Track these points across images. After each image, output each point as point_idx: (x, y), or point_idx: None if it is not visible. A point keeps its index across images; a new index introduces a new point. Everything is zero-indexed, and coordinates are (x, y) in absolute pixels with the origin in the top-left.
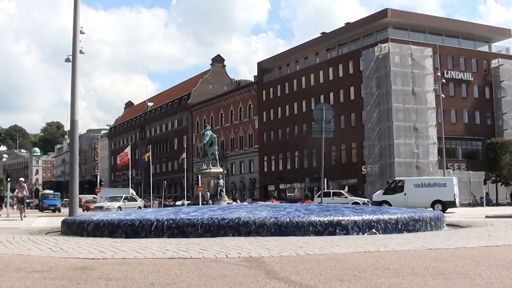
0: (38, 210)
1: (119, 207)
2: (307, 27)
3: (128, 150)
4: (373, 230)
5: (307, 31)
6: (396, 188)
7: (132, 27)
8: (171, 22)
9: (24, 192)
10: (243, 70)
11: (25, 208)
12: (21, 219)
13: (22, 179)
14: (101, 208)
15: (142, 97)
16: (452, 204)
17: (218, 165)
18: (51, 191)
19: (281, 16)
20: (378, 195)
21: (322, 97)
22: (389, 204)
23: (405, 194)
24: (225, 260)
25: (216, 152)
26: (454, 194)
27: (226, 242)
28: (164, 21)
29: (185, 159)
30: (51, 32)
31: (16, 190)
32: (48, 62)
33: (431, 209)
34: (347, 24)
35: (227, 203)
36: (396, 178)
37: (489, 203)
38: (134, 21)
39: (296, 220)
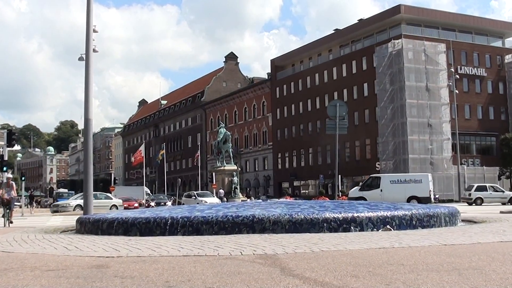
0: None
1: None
2: (319, 23)
3: (142, 148)
4: (388, 226)
5: (320, 27)
6: (372, 184)
7: (144, 25)
8: (183, 19)
9: (12, 193)
10: (256, 67)
11: (12, 212)
12: (7, 225)
13: (10, 176)
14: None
15: (155, 95)
16: (427, 200)
17: (232, 162)
18: (66, 190)
19: (293, 13)
20: (354, 191)
21: (335, 93)
22: (365, 200)
23: (381, 190)
24: (240, 257)
25: (230, 150)
26: (430, 190)
27: (240, 239)
28: (176, 18)
29: (199, 156)
30: (62, 30)
31: (2, 191)
32: (60, 60)
33: None
34: (360, 20)
35: (242, 201)
36: (372, 175)
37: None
38: (146, 18)
39: (311, 217)
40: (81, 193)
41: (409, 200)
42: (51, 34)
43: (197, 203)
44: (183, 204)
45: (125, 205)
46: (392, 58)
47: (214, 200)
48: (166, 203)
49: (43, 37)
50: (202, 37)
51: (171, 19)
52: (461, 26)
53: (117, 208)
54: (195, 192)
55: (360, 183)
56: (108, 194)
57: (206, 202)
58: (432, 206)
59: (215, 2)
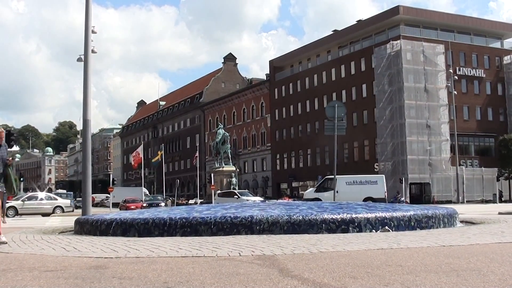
0: None
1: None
2: (317, 24)
3: (140, 149)
4: (386, 227)
5: (318, 28)
6: (328, 185)
7: (142, 25)
8: (181, 20)
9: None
10: (254, 67)
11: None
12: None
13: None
14: None
15: (153, 96)
16: (382, 201)
17: (231, 163)
18: (64, 191)
19: (291, 13)
20: (310, 193)
21: (334, 94)
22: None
23: (337, 191)
24: (238, 258)
25: (229, 151)
26: (385, 192)
27: (239, 240)
28: (174, 19)
29: (198, 157)
30: (60, 31)
31: None
32: (58, 61)
33: None
34: (358, 21)
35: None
36: (328, 176)
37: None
38: (144, 19)
39: (309, 218)
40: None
41: (364, 201)
42: (49, 35)
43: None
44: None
45: (132, 206)
46: (391, 59)
47: (257, 198)
48: (160, 204)
49: (41, 38)
50: (200, 37)
51: (169, 20)
52: (460, 27)
53: (63, 211)
54: (237, 191)
55: (315, 184)
56: (51, 195)
57: (249, 201)
58: (430, 207)
59: (213, 3)
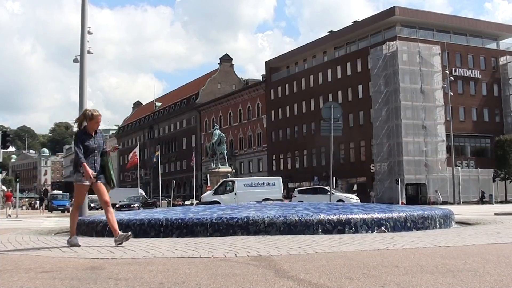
0: (47, 210)
1: None
2: (313, 24)
3: (137, 150)
4: (382, 228)
5: (313, 29)
6: (227, 188)
7: (137, 26)
8: (176, 20)
9: None
10: (250, 68)
11: None
12: None
13: None
14: None
15: (148, 97)
16: None
17: (227, 164)
18: (60, 192)
19: (286, 14)
20: (208, 196)
21: (330, 95)
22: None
23: (235, 194)
24: (234, 259)
25: (225, 151)
26: (282, 193)
27: (235, 241)
28: (169, 20)
29: (195, 159)
30: (56, 31)
31: None
32: (54, 62)
33: None
34: (355, 22)
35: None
36: (226, 179)
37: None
38: (139, 19)
39: (305, 218)
40: None
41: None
42: (45, 36)
43: (339, 201)
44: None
45: None
46: (387, 60)
47: (350, 195)
48: (133, 206)
49: (37, 38)
50: (195, 38)
51: (164, 20)
52: (456, 28)
53: None
54: (336, 192)
55: (214, 188)
56: None
57: (353, 199)
58: (427, 208)
59: (208, 3)
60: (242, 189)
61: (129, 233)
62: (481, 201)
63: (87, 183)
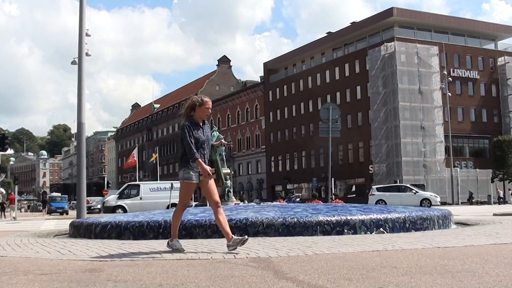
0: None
1: None
2: (310, 25)
3: (135, 152)
4: (381, 229)
5: (311, 30)
6: (131, 192)
7: (135, 27)
8: (174, 21)
9: None
10: (248, 69)
11: None
12: None
13: None
14: None
15: (146, 98)
16: (188, 206)
17: (225, 165)
18: (59, 194)
19: (284, 15)
20: (112, 200)
21: (328, 96)
22: (125, 210)
23: (141, 198)
24: (233, 261)
25: (223, 153)
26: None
27: None
28: (167, 21)
29: None
30: (53, 33)
31: None
32: (51, 64)
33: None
34: (352, 23)
35: (235, 204)
36: (131, 183)
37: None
38: (137, 21)
39: (304, 220)
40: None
41: (168, 208)
42: (42, 38)
43: (424, 200)
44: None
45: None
46: (385, 61)
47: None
48: (94, 208)
49: (34, 40)
50: (193, 39)
51: (162, 21)
52: (454, 29)
53: None
54: (420, 190)
55: (118, 192)
56: None
57: (437, 198)
58: (425, 209)
59: (205, 5)
60: (148, 193)
61: (245, 236)
62: (469, 201)
63: (196, 181)
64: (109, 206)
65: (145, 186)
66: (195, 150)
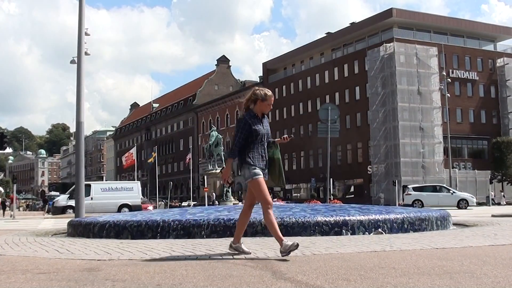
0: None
1: None
2: (309, 25)
3: (133, 151)
4: (379, 230)
5: (310, 30)
6: None
7: (134, 27)
8: (173, 21)
9: None
10: (247, 69)
11: None
12: None
13: None
14: None
15: (145, 98)
16: (138, 208)
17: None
18: (57, 193)
19: (283, 15)
20: (63, 200)
21: (327, 97)
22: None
23: (91, 198)
24: (231, 261)
25: (222, 153)
26: (140, 198)
27: None
28: (166, 20)
29: (191, 160)
30: (52, 32)
31: None
32: (50, 63)
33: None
34: (352, 24)
35: (233, 204)
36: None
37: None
38: (136, 20)
39: (302, 220)
40: None
41: (120, 208)
42: (41, 37)
43: (461, 200)
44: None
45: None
46: (384, 62)
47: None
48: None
49: (33, 39)
50: (192, 39)
51: (161, 21)
52: (453, 30)
53: None
54: (457, 191)
55: (68, 191)
56: None
57: (473, 198)
58: (424, 209)
59: (204, 4)
60: (99, 193)
61: (296, 242)
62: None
63: (262, 175)
64: (59, 206)
65: (96, 186)
66: (237, 148)
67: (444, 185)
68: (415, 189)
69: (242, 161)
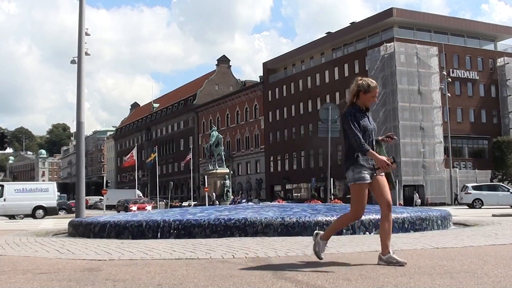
0: None
1: None
2: (309, 25)
3: (134, 151)
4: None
5: (310, 29)
6: None
7: (134, 27)
8: (172, 21)
9: None
10: (247, 69)
11: None
12: None
13: None
14: None
15: (145, 98)
16: (53, 210)
17: (224, 165)
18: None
19: (283, 14)
20: None
21: (328, 97)
22: None
23: (4, 199)
24: (232, 261)
25: (222, 153)
26: (56, 200)
27: (233, 242)
28: (166, 20)
29: (191, 160)
30: (51, 32)
31: None
32: (50, 63)
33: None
34: (352, 23)
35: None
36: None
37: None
38: (136, 20)
39: (303, 220)
40: None
41: (35, 210)
42: (41, 36)
43: None
44: None
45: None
46: (384, 61)
47: None
48: None
49: (33, 39)
50: (192, 38)
51: (161, 21)
52: (453, 29)
53: None
54: (501, 184)
55: None
56: None
57: None
58: (424, 209)
59: (204, 4)
60: (12, 194)
61: (404, 261)
62: (455, 201)
63: (370, 180)
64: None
65: (10, 187)
66: (363, 141)
67: (502, 184)
68: (474, 188)
69: (349, 159)
